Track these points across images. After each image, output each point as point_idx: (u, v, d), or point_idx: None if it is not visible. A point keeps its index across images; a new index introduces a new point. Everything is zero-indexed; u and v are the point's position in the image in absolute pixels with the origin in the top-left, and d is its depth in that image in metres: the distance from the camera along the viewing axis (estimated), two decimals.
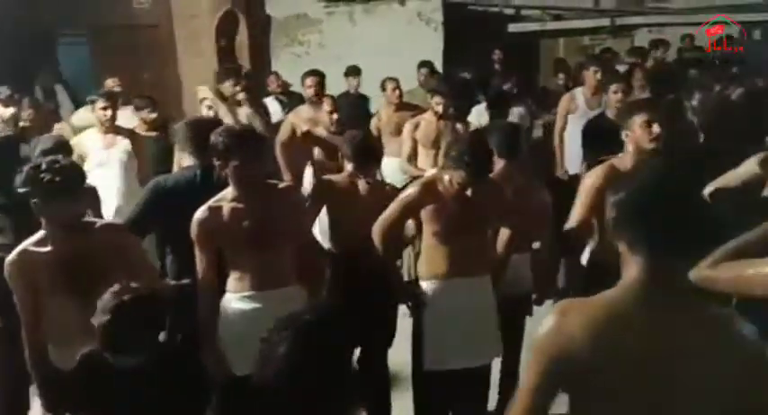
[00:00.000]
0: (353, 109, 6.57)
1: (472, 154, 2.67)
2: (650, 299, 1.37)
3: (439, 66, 7.54)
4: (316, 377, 1.45)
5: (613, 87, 4.71)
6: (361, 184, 3.12)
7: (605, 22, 9.30)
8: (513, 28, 9.32)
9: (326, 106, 4.80)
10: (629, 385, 1.35)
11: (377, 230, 2.87)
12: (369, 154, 3.13)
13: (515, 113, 5.18)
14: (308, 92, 5.06)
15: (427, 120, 4.65)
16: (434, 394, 2.92)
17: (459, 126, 4.59)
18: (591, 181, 2.89)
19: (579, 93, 5.21)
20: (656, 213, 1.35)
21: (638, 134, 2.84)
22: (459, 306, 2.80)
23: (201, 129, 2.88)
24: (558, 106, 5.29)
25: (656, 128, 2.80)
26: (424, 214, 2.81)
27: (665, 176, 1.45)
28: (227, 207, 2.57)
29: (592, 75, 5.12)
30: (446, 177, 2.76)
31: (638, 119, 2.84)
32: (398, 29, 8.14)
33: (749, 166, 3.02)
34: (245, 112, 4.74)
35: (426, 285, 2.86)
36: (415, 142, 4.63)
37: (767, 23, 9.36)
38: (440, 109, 4.56)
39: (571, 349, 1.35)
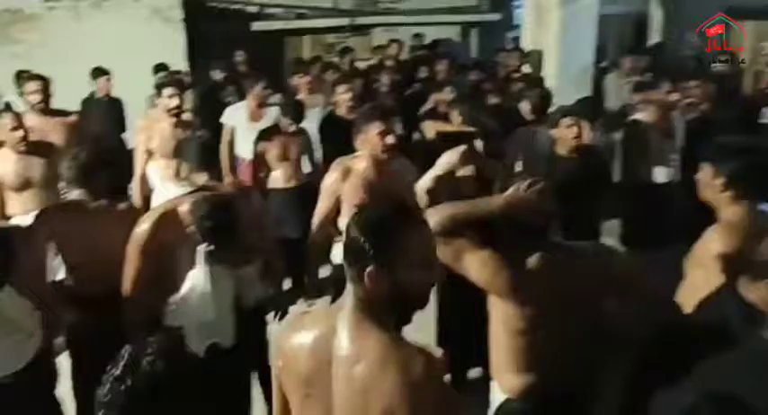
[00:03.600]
0: (103, 115, 6.00)
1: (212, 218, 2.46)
2: (345, 317, 1.41)
3: (183, 66, 7.23)
4: None
5: (340, 89, 4.96)
6: (100, 208, 2.66)
7: (345, 21, 9.73)
8: (257, 26, 9.28)
9: (9, 121, 3.70)
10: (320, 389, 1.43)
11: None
12: (101, 170, 2.66)
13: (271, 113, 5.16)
14: (32, 99, 4.46)
15: (162, 128, 4.23)
16: None
17: (203, 132, 4.13)
18: (328, 180, 2.97)
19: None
20: None
21: (373, 141, 2.89)
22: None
23: None
24: None
25: (389, 139, 2.87)
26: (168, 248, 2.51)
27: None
28: None
29: (298, 80, 5.59)
30: (182, 207, 2.52)
31: (375, 128, 2.88)
32: (133, 26, 7.59)
33: (449, 157, 3.36)
34: None
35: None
36: (150, 155, 4.21)
37: (483, 24, 10.63)
38: (174, 101, 4.13)
39: (289, 358, 1.47)
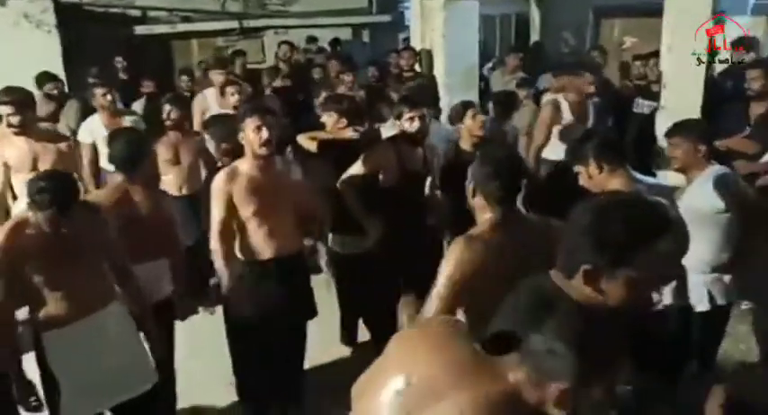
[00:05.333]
0: None
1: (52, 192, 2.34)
2: None
3: (59, 73, 6.81)
4: None
5: (230, 89, 5.01)
6: None
7: (234, 24, 9.55)
8: (140, 30, 8.92)
9: None
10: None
11: None
12: None
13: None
14: None
15: (15, 141, 3.84)
16: None
17: (62, 145, 3.93)
18: (216, 184, 2.94)
19: (210, 95, 5.29)
20: None
21: (250, 138, 2.87)
22: (86, 348, 2.53)
23: None
24: (193, 109, 5.28)
25: (264, 134, 2.84)
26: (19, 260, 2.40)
27: None
28: None
29: (216, 77, 5.42)
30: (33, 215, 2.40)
31: (251, 124, 2.85)
32: (1, 32, 7.09)
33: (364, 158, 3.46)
34: None
35: (48, 335, 2.49)
36: (8, 168, 3.86)
37: (372, 25, 10.76)
38: (15, 120, 3.73)
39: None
